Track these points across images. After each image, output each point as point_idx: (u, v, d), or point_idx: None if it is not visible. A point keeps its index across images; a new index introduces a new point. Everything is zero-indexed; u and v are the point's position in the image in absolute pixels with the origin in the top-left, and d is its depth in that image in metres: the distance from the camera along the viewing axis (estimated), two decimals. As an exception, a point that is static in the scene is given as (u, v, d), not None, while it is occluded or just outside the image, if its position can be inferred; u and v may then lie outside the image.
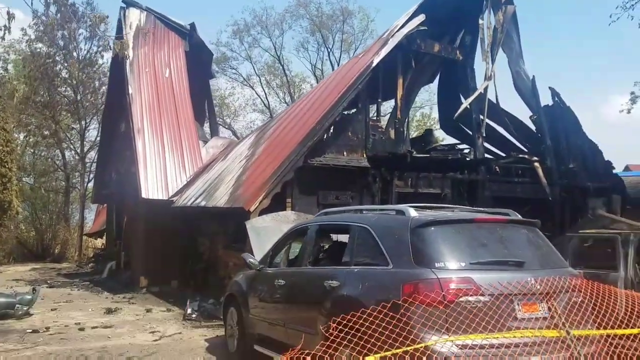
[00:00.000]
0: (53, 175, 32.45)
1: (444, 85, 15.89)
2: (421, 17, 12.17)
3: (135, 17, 17.51)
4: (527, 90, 15.17)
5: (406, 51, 12.41)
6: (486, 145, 16.72)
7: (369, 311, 4.22)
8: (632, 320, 4.86)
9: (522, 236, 5.16)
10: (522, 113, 16.09)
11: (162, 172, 14.69)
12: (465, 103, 13.59)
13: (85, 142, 30.01)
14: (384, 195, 12.09)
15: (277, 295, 6.44)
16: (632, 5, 17.33)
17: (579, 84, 61.29)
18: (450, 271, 4.58)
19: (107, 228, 20.27)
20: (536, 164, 14.19)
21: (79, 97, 28.37)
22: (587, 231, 8.62)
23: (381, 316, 4.19)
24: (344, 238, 6.31)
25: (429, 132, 17.29)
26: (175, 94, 16.65)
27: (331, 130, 11.46)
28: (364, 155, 11.76)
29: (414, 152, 13.88)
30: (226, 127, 38.11)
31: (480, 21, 13.46)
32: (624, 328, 4.76)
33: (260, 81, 37.58)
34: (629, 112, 22.79)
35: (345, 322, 4.31)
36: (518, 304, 4.55)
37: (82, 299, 13.68)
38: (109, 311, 11.66)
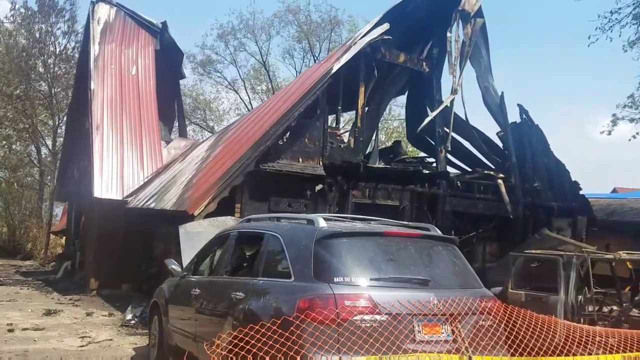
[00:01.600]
0: (24, 170, 31.84)
1: (412, 97, 15.70)
2: (385, 26, 11.96)
3: (104, 12, 17.17)
4: (495, 106, 15.02)
5: (369, 60, 12.17)
6: (454, 160, 16.61)
7: (257, 327, 3.90)
8: (545, 348, 4.61)
9: (435, 253, 4.87)
10: (493, 129, 15.95)
11: (119, 171, 14.30)
12: (430, 116, 13.39)
13: (58, 138, 29.47)
14: (341, 205, 11.81)
15: (191, 306, 6.10)
16: (611, 27, 17.25)
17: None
18: (348, 287, 4.28)
19: (67, 227, 19.78)
20: (499, 180, 13.98)
21: (53, 92, 27.91)
22: (532, 251, 8.37)
23: (269, 333, 3.88)
24: None
25: (398, 144, 17.06)
26: (140, 92, 16.29)
27: (287, 136, 11.17)
28: (320, 163, 11.47)
29: (380, 162, 13.66)
30: (209, 130, 37.75)
31: (448, 34, 13.28)
32: (540, 356, 4.50)
33: (245, 86, 37.30)
34: (609, 133, 22.64)
35: (230, 339, 4.01)
36: (418, 325, 4.25)
37: (28, 298, 13.21)
38: (49, 313, 11.22)
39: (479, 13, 13.69)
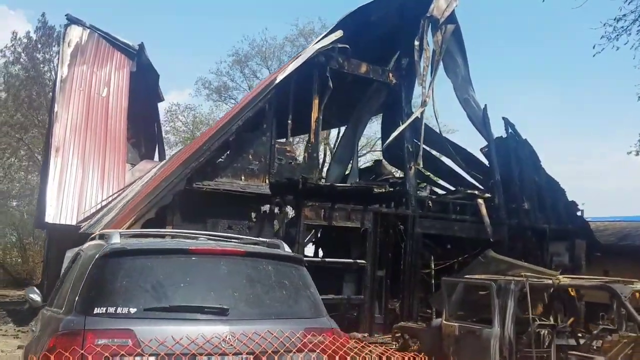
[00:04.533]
0: (27, 199, 31.84)
1: (386, 112, 14.68)
2: (338, 34, 11.08)
3: (76, 34, 16.82)
4: (478, 120, 13.88)
5: (323, 70, 11.26)
6: (437, 179, 15.47)
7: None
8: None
9: (261, 275, 3.84)
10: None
11: (77, 195, 13.60)
12: (397, 131, 12.34)
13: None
14: (293, 227, 10.84)
15: (29, 342, 5.20)
16: (617, 35, 15.91)
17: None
18: (107, 320, 3.30)
19: (44, 255, 19.29)
20: (480, 200, 12.74)
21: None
22: (476, 276, 7.15)
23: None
24: None
25: (378, 163, 15.99)
26: (109, 114, 15.74)
27: (227, 152, 10.29)
28: (267, 181, 10.53)
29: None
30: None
31: (416, 42, 12.31)
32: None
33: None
34: (637, 154, 20.70)
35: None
36: None
37: (-23, 330, 12.59)
38: (-19, 345, 10.54)
39: (451, 19, 12.70)
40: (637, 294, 6.53)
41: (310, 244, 15.84)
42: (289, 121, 10.92)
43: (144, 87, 17.73)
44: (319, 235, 15.21)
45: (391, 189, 11.26)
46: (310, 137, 11.26)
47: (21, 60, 28.07)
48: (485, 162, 14.18)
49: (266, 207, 10.54)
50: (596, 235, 19.33)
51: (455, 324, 6.69)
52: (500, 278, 6.48)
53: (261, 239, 4.55)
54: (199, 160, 9.69)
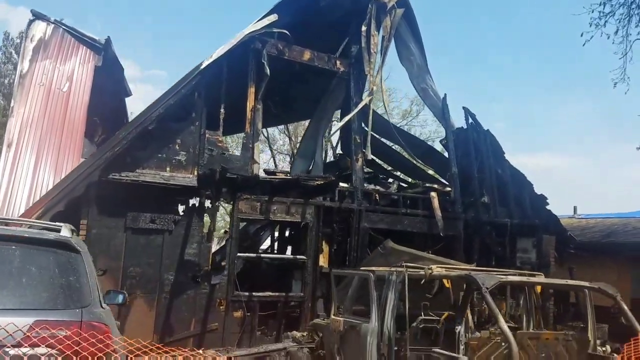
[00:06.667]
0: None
1: (344, 104, 14.15)
2: (272, 17, 10.59)
3: (40, 29, 16.57)
4: (437, 110, 13.31)
5: (259, 56, 10.79)
6: (399, 174, 14.93)
7: None
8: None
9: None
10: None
11: (27, 191, 13.36)
12: (343, 121, 11.87)
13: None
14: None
15: None
16: (605, 21, 15.05)
17: None
18: None
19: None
20: (432, 193, 12.15)
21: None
22: (361, 268, 6.61)
23: None
24: None
25: (342, 157, 15.44)
26: (69, 109, 15.47)
27: (150, 142, 9.89)
28: (195, 173, 10.10)
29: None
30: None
31: (363, 28, 11.79)
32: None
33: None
34: None
35: None
36: None
37: None
38: None
39: (401, 3, 12.14)
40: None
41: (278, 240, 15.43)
42: (222, 110, 10.47)
43: (112, 81, 17.46)
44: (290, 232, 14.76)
45: (322, 181, 10.72)
46: (246, 127, 10.80)
47: (12, 59, 28.23)
48: (447, 154, 13.61)
49: (195, 201, 10.13)
50: (583, 232, 18.57)
51: (341, 319, 6.18)
52: (380, 269, 5.95)
53: (47, 223, 4.13)
54: (114, 149, 9.33)
